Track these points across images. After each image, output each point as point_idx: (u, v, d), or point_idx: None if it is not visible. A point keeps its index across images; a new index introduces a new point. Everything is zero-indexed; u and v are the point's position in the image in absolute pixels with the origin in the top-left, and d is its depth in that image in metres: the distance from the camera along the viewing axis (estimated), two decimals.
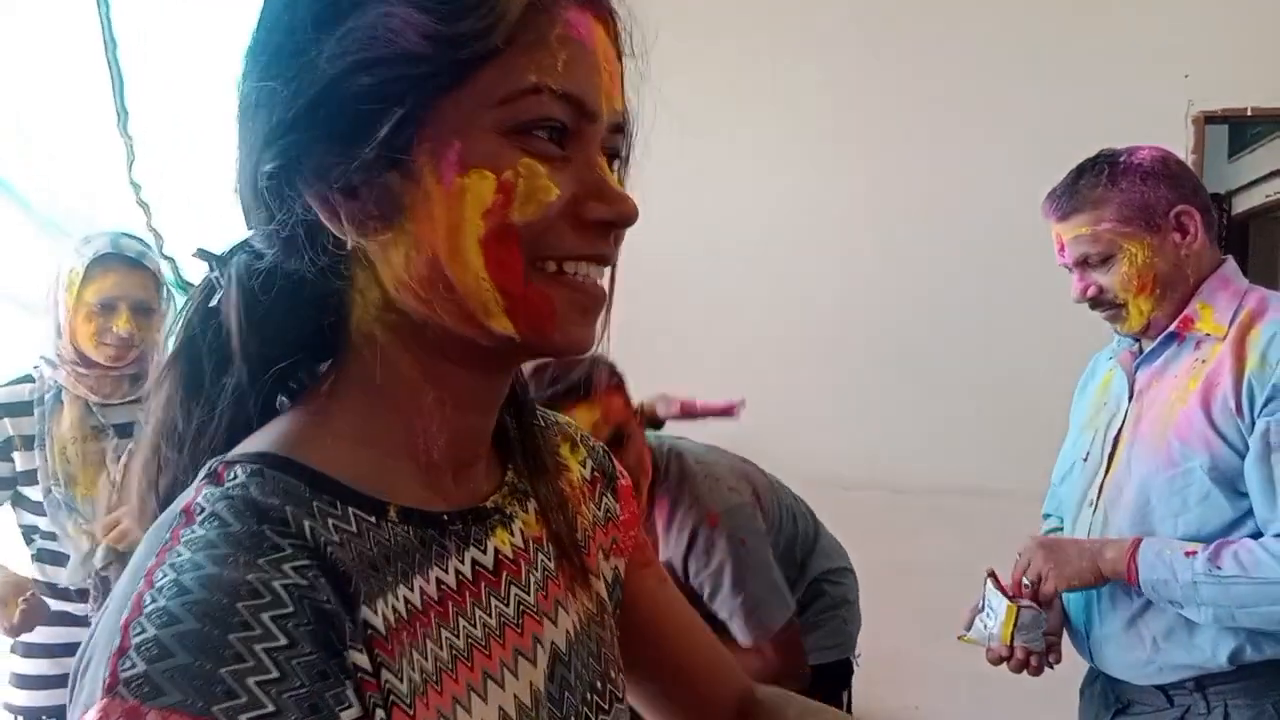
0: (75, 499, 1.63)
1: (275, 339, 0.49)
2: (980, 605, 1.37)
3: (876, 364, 2.72)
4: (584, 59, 0.47)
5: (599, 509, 0.65)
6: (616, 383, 1.34)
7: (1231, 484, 1.18)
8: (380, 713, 0.42)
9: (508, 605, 0.52)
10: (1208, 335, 1.25)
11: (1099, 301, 1.31)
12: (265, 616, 0.39)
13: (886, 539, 2.27)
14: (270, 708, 0.37)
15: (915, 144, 2.86)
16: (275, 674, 0.38)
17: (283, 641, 0.39)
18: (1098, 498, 1.33)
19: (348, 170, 0.45)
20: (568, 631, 0.56)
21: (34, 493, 1.65)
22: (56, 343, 1.65)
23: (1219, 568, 1.14)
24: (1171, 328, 1.28)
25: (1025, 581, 1.30)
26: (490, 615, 0.50)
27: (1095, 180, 1.30)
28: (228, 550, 0.41)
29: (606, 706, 0.58)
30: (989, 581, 1.35)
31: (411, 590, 0.47)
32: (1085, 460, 1.39)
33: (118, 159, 2.02)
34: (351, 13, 0.45)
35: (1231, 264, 1.31)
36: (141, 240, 1.73)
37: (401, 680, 0.44)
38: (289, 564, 0.42)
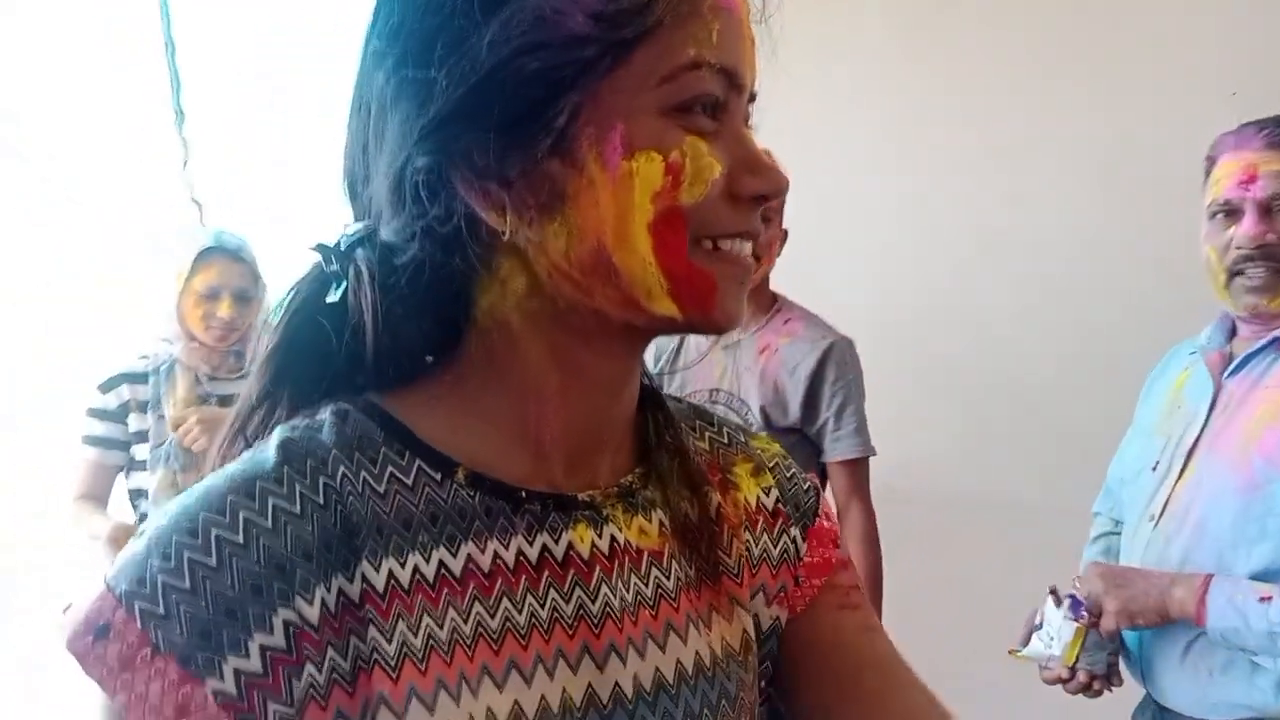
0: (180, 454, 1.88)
1: (408, 332, 0.49)
2: (1037, 622, 1.29)
3: (908, 374, 2.70)
4: (734, 28, 0.46)
5: (774, 544, 0.59)
6: None
7: None
8: (342, 664, 0.42)
9: (568, 603, 0.49)
10: None
11: (1269, 255, 1.15)
12: (214, 533, 0.42)
13: (918, 552, 2.24)
14: (161, 610, 0.40)
15: (954, 152, 2.84)
16: (186, 585, 0.41)
17: (211, 562, 0.41)
18: (1160, 513, 1.22)
19: (509, 161, 0.44)
20: (679, 663, 0.51)
21: (143, 451, 1.89)
22: (170, 324, 1.90)
23: None
24: (1278, 333, 1.17)
25: (1084, 614, 1.21)
26: (543, 607, 0.48)
27: None
28: (239, 470, 0.45)
29: None
30: (1050, 599, 1.28)
31: (454, 555, 0.46)
32: (1154, 469, 1.28)
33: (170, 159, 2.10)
34: None
35: None
36: (239, 234, 1.94)
37: (391, 641, 0.43)
38: (275, 500, 0.43)
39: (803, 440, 1.64)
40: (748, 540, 0.58)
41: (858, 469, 1.65)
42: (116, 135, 2.27)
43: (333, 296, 0.49)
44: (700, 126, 0.45)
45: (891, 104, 2.89)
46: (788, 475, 0.62)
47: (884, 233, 2.90)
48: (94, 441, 1.88)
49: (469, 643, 0.45)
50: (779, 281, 1.77)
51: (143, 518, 1.91)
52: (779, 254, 1.72)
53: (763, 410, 1.65)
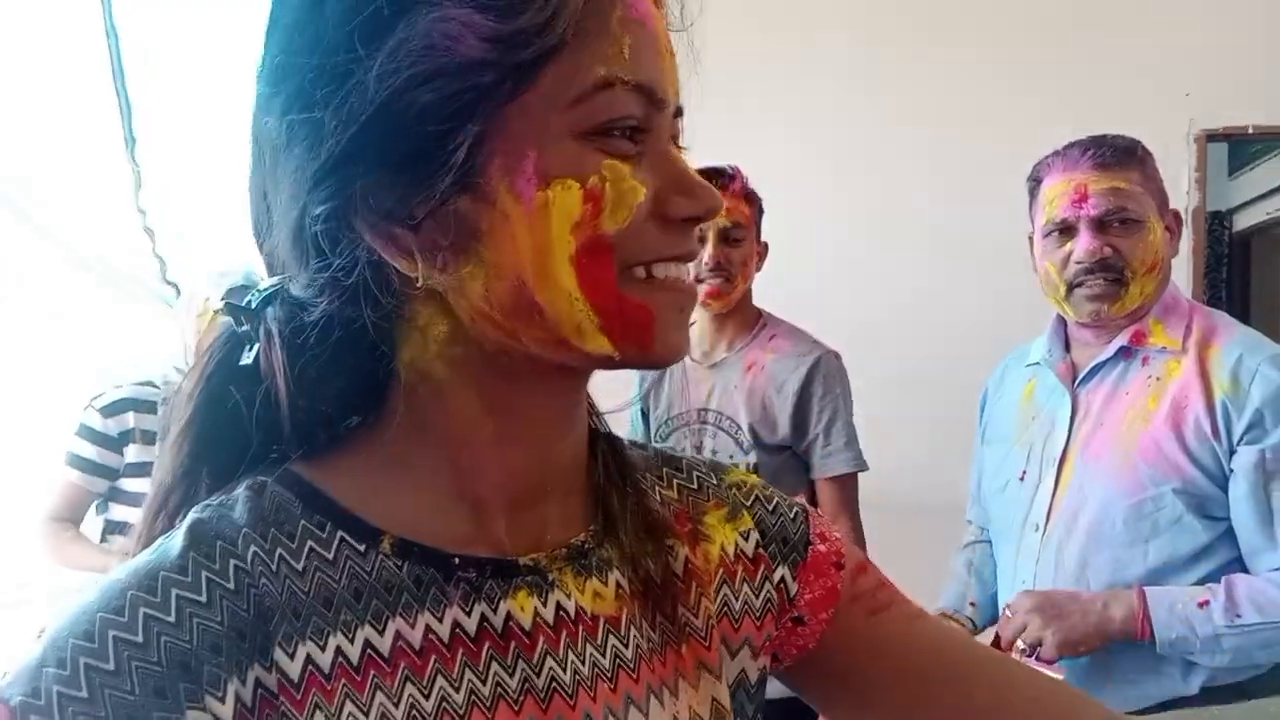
0: None
1: (324, 394, 0.45)
2: None
3: (880, 380, 2.71)
4: (648, 42, 0.43)
5: (756, 593, 0.55)
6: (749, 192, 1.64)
7: (1202, 508, 1.17)
8: None
9: (511, 676, 0.45)
10: (1162, 349, 1.23)
11: (1106, 266, 1.23)
12: (112, 635, 0.39)
13: (894, 560, 2.24)
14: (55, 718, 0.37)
15: (916, 161, 2.87)
16: (84, 694, 0.37)
17: (108, 667, 0.38)
18: (1045, 521, 1.28)
19: (413, 201, 0.41)
20: None
21: (137, 485, 1.80)
22: (186, 357, 1.83)
23: (1239, 616, 1.12)
24: (1124, 341, 1.26)
25: (1021, 645, 1.21)
26: (484, 682, 0.44)
27: (1132, 145, 1.26)
28: (143, 562, 0.41)
29: None
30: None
31: (381, 633, 0.42)
32: (1022, 479, 1.34)
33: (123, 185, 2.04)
34: (398, 22, 0.40)
35: (1176, 284, 1.31)
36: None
37: None
38: (178, 590, 0.40)
39: (792, 458, 1.63)
40: (725, 594, 0.54)
41: (846, 484, 1.64)
42: (69, 159, 2.21)
43: (245, 359, 0.46)
44: (620, 149, 0.42)
45: (863, 116, 2.91)
46: (770, 509, 0.57)
47: (853, 243, 2.91)
48: (80, 464, 1.78)
49: None
50: (761, 296, 1.76)
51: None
52: (759, 269, 1.71)
53: (751, 428, 1.64)
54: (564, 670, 0.46)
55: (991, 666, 0.58)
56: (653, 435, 1.78)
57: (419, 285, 0.42)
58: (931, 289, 2.84)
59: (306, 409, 0.45)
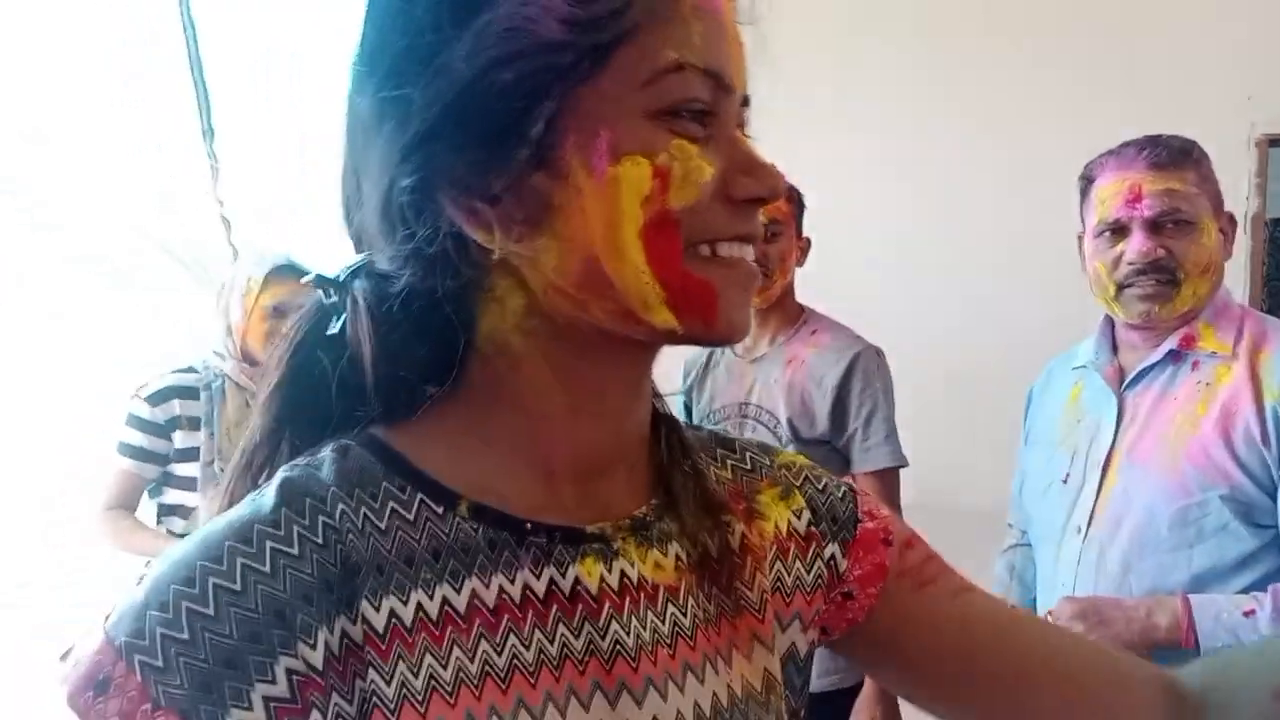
0: None
1: (408, 363, 0.48)
2: None
3: (937, 384, 2.70)
4: (717, 30, 0.45)
5: (807, 570, 0.57)
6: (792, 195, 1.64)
7: (1249, 515, 1.15)
8: (348, 709, 0.42)
9: (577, 638, 0.47)
10: (1212, 354, 1.22)
11: (1158, 268, 1.22)
12: (212, 582, 0.41)
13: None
14: (160, 662, 0.40)
15: (973, 160, 2.85)
16: (185, 636, 0.40)
17: (209, 611, 0.40)
18: (1088, 525, 1.27)
19: (492, 176, 0.44)
20: (697, 705, 0.49)
21: (187, 469, 1.88)
22: (225, 340, 1.88)
23: None
24: (1173, 345, 1.24)
25: None
26: (552, 643, 0.46)
27: (1188, 145, 1.25)
28: (237, 515, 0.44)
29: None
30: None
31: (458, 591, 0.45)
32: (1065, 482, 1.33)
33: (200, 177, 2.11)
34: (484, 6, 0.43)
35: (1228, 288, 1.29)
36: (308, 260, 1.97)
37: (390, 683, 0.42)
38: (273, 543, 0.43)
39: (832, 453, 1.64)
40: (779, 570, 0.56)
41: (887, 479, 1.64)
42: (134, 149, 2.28)
43: (333, 329, 0.48)
44: (688, 130, 0.44)
45: (921, 115, 2.89)
46: (819, 488, 0.59)
47: (910, 242, 2.90)
48: (132, 452, 1.86)
49: (475, 682, 0.44)
50: (804, 292, 1.77)
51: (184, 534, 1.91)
52: (801, 264, 1.72)
53: (790, 422, 1.65)
54: (627, 635, 0.48)
55: (1038, 633, 0.60)
56: None
57: (496, 257, 0.45)
58: (981, 291, 2.81)
59: (389, 375, 0.47)
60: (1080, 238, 1.36)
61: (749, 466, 0.59)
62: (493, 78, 0.42)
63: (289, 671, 0.41)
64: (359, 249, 0.50)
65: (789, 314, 1.72)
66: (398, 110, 0.44)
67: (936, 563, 0.60)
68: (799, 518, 0.58)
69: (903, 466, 1.65)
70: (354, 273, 0.49)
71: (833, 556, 0.58)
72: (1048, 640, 0.60)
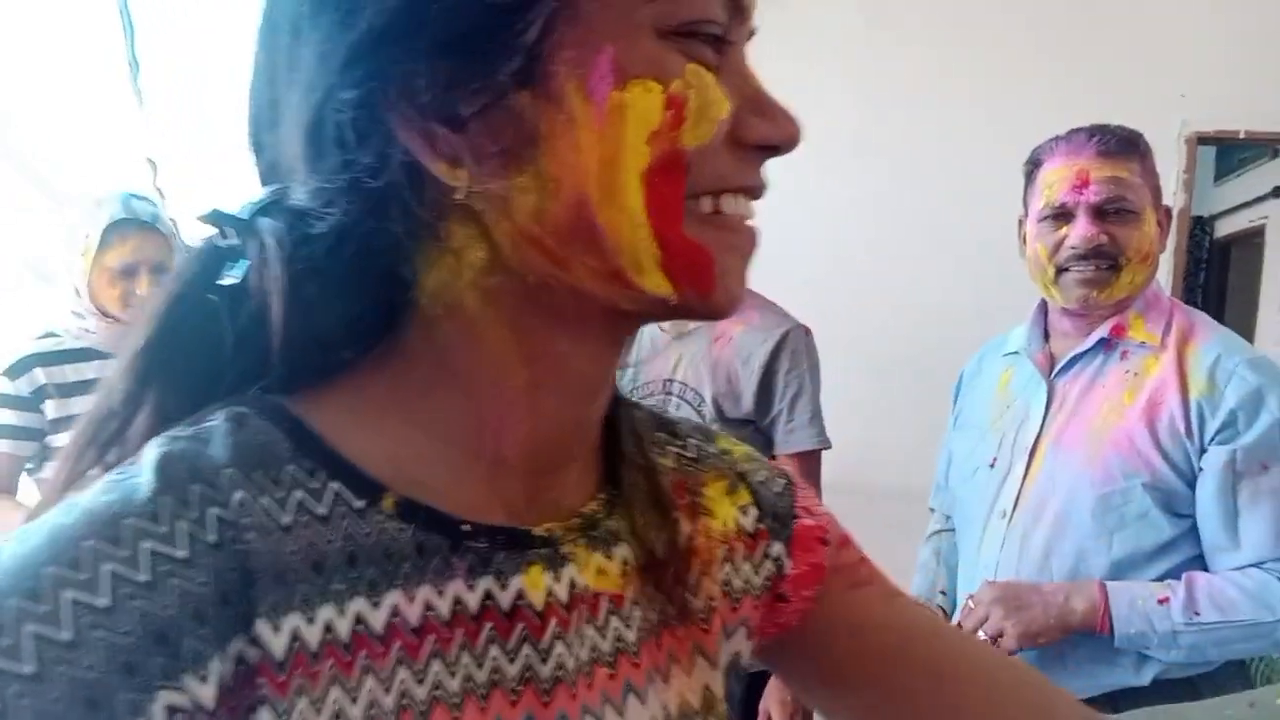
0: None
1: (327, 321, 0.38)
2: None
3: (866, 366, 2.70)
4: None
5: (756, 571, 0.51)
6: None
7: (1169, 504, 1.17)
8: None
9: (512, 663, 0.39)
10: (1141, 344, 1.24)
11: (1100, 253, 1.23)
12: (67, 596, 0.31)
13: (873, 546, 2.23)
14: None
15: (908, 150, 2.85)
16: (30, 670, 0.29)
17: (65, 637, 0.30)
18: (1013, 509, 1.28)
19: (463, 93, 0.34)
20: None
21: (62, 439, 1.69)
22: (77, 301, 1.71)
23: (1197, 614, 1.12)
24: (1104, 334, 1.25)
25: (982, 636, 1.20)
26: (481, 668, 0.38)
27: (1135, 136, 1.25)
28: (100, 502, 0.33)
29: None
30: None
31: (376, 606, 0.36)
32: (992, 466, 1.34)
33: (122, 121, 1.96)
34: None
35: (1158, 281, 1.31)
36: (150, 199, 1.76)
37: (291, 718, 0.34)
38: (152, 544, 0.32)
39: (755, 433, 1.60)
40: (728, 572, 0.49)
41: (809, 461, 1.61)
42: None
43: (231, 276, 0.38)
44: (704, 56, 0.36)
45: (857, 104, 2.88)
46: (761, 481, 0.53)
47: (840, 224, 2.89)
48: (5, 432, 1.70)
49: (385, 718, 0.36)
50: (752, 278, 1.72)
51: None
52: None
53: (715, 400, 1.60)
54: (570, 655, 0.41)
55: (967, 647, 0.56)
56: None
57: (457, 198, 0.36)
58: (913, 277, 2.82)
59: (301, 335, 0.38)
60: (1021, 221, 1.36)
61: (693, 455, 0.51)
62: None
63: (170, 710, 0.31)
64: (269, 180, 0.40)
65: None
66: (340, 4, 0.35)
67: (869, 566, 0.55)
68: (746, 514, 0.51)
69: (825, 449, 1.62)
70: (263, 209, 0.38)
71: (779, 556, 0.51)
72: (975, 655, 0.55)
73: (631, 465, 0.46)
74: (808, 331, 1.64)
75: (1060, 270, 1.26)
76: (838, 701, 0.56)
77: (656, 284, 0.37)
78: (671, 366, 1.66)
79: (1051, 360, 1.33)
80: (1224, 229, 4.61)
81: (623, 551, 0.44)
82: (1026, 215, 1.33)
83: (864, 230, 2.88)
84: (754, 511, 0.51)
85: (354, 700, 0.35)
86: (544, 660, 0.40)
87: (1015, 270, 1.42)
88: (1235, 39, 2.66)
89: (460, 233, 0.37)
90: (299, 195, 0.38)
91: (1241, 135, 2.72)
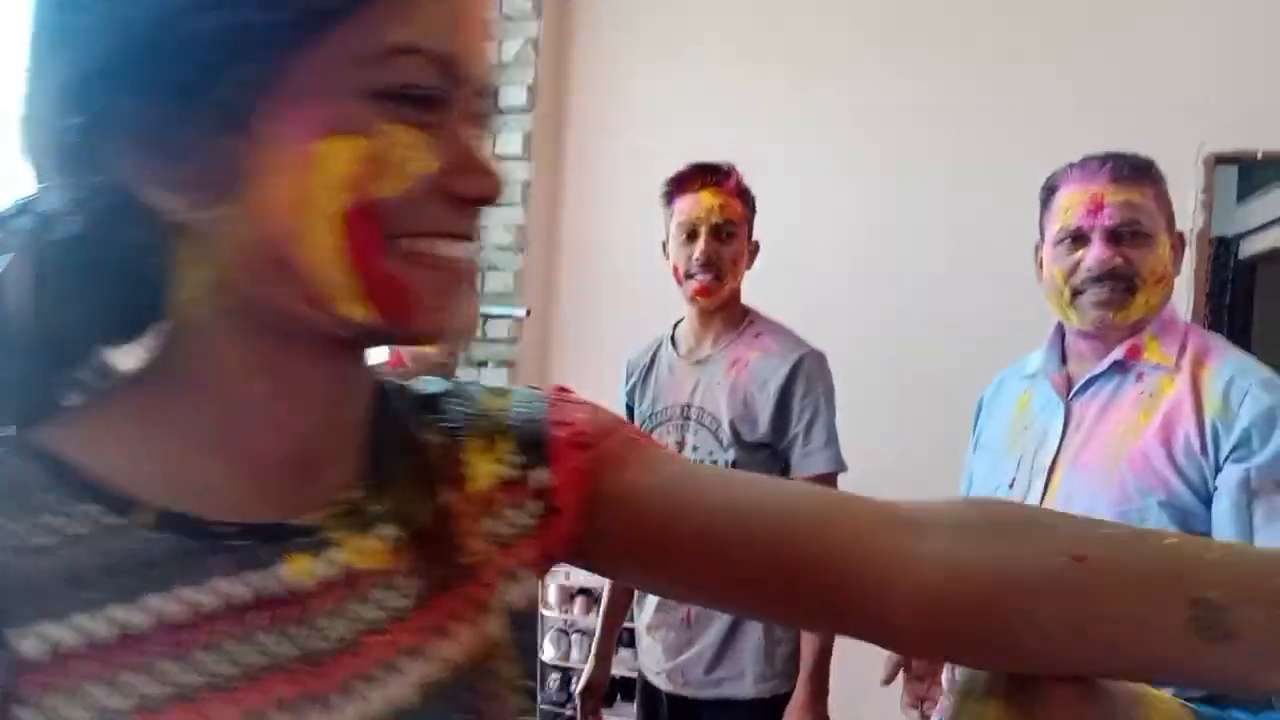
0: None
1: (72, 324, 0.41)
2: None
3: (884, 387, 2.70)
4: (457, 14, 0.41)
5: (522, 511, 0.53)
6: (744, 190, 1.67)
7: (1185, 522, 1.18)
8: None
9: (281, 645, 0.42)
10: (1156, 366, 1.25)
11: (1116, 275, 1.26)
12: None
13: None
14: None
15: (929, 172, 2.86)
16: None
17: None
18: None
19: (176, 130, 0.38)
20: (416, 687, 0.46)
21: None
22: None
23: None
24: (1119, 355, 1.28)
25: None
26: (251, 653, 0.41)
27: (1147, 162, 1.29)
28: None
29: None
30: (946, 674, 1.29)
31: (138, 608, 0.38)
32: (1011, 487, 1.36)
33: None
34: None
35: (1174, 304, 1.33)
36: None
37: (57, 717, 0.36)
38: None
39: (772, 456, 1.62)
40: (491, 525, 0.51)
41: (825, 484, 1.62)
42: None
43: None
44: (409, 117, 0.40)
45: (878, 122, 2.91)
46: (521, 419, 0.54)
47: (862, 245, 2.91)
48: None
49: (156, 706, 0.38)
50: (754, 295, 1.75)
51: None
52: (750, 266, 1.70)
53: (732, 425, 1.63)
54: (337, 630, 0.44)
55: (734, 491, 0.54)
56: None
57: (178, 220, 0.39)
58: (935, 300, 2.82)
59: (44, 341, 0.41)
60: (1038, 247, 1.39)
61: (454, 424, 0.53)
62: (187, 20, 0.37)
63: None
64: (40, 178, 0.43)
65: (734, 316, 1.70)
66: (75, 35, 0.38)
67: (637, 443, 0.55)
68: (504, 463, 0.53)
69: (841, 472, 1.63)
70: (16, 210, 0.42)
71: (542, 484, 0.53)
72: (752, 491, 0.54)
73: (393, 450, 0.49)
74: (822, 357, 1.66)
75: (1076, 292, 1.29)
76: (658, 580, 0.57)
77: (358, 312, 0.41)
78: (689, 392, 1.68)
79: (1069, 382, 1.35)
80: (1248, 248, 4.57)
81: (389, 530, 0.47)
82: (1043, 240, 1.37)
83: (881, 254, 2.90)
84: (514, 456, 0.53)
85: (119, 694, 0.37)
86: (316, 638, 0.43)
87: (1032, 295, 1.44)
88: (1253, 59, 2.66)
89: (190, 253, 0.41)
90: (51, 199, 0.41)
91: (1260, 155, 2.71)
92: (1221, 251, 4.29)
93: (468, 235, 0.44)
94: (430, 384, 0.56)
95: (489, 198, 0.43)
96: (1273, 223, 4.20)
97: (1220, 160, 2.72)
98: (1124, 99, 2.69)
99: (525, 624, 0.52)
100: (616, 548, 0.54)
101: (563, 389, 0.58)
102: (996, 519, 0.50)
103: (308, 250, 0.39)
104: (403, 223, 0.40)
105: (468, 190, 0.42)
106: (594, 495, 0.53)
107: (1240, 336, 4.30)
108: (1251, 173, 4.21)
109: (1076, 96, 2.73)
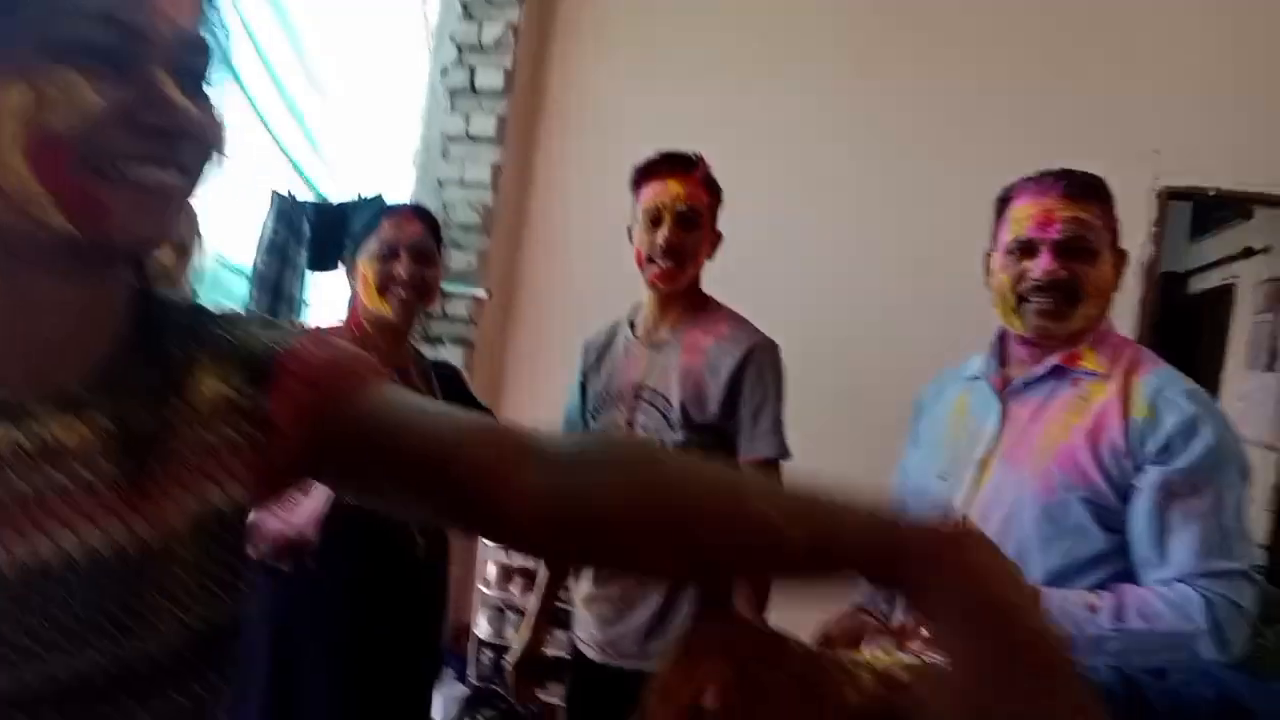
0: None
1: None
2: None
3: (831, 390, 2.75)
4: None
5: (238, 433, 0.61)
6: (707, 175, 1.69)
7: (1104, 519, 1.24)
8: None
9: None
10: (1091, 372, 1.32)
11: (1059, 286, 1.31)
12: None
13: None
14: None
15: (884, 188, 2.93)
16: None
17: None
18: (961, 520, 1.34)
19: None
20: (95, 550, 0.53)
21: None
22: None
23: (1123, 622, 1.18)
24: (1057, 361, 1.34)
25: (925, 634, 1.25)
26: None
27: (1098, 181, 1.35)
28: None
29: (126, 628, 0.53)
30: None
31: None
32: (943, 479, 1.41)
33: None
34: None
35: (1113, 321, 1.39)
36: None
37: None
38: None
39: (720, 439, 1.65)
40: (201, 435, 0.59)
41: (769, 470, 1.64)
42: None
43: None
44: (84, 65, 0.48)
45: (837, 138, 2.98)
46: (256, 354, 0.63)
47: (824, 257, 2.97)
48: None
49: None
50: (714, 285, 1.77)
51: None
52: (710, 257, 1.73)
53: (682, 406, 1.65)
54: (26, 486, 0.51)
55: (417, 414, 0.64)
56: (588, 410, 1.79)
57: None
58: (877, 302, 2.89)
59: None
60: (988, 255, 1.45)
61: (199, 343, 0.62)
62: None
63: None
64: None
65: (692, 302, 1.72)
66: None
67: (366, 382, 0.64)
68: (228, 385, 0.61)
69: (785, 458, 1.65)
70: None
71: (259, 408, 0.62)
72: (454, 421, 0.63)
73: (135, 356, 0.57)
74: (775, 346, 1.69)
75: (1021, 299, 1.35)
76: (349, 486, 0.67)
77: (61, 224, 0.50)
78: (643, 373, 1.70)
79: (1007, 383, 1.41)
80: (1196, 285, 4.72)
81: (102, 421, 0.55)
82: (995, 247, 1.42)
83: (839, 261, 2.96)
84: (239, 382, 0.62)
85: None
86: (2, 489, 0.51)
87: (980, 304, 1.49)
88: (1210, 96, 2.74)
89: None
90: None
91: (1212, 192, 2.80)
92: (1172, 286, 4.42)
93: (158, 159, 0.52)
94: (208, 307, 0.65)
95: (175, 127, 0.51)
96: (1219, 262, 4.34)
97: (1174, 195, 2.80)
98: (1081, 132, 2.76)
99: (227, 524, 0.60)
100: (330, 467, 0.64)
101: (322, 330, 0.66)
102: (610, 453, 0.61)
103: (5, 173, 0.49)
104: (94, 150, 0.49)
105: (151, 121, 0.50)
106: (314, 424, 0.62)
107: (1181, 368, 4.43)
108: (1204, 214, 4.34)
109: (1034, 126, 2.81)
